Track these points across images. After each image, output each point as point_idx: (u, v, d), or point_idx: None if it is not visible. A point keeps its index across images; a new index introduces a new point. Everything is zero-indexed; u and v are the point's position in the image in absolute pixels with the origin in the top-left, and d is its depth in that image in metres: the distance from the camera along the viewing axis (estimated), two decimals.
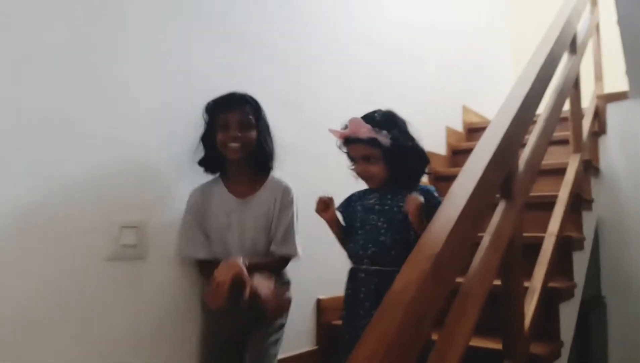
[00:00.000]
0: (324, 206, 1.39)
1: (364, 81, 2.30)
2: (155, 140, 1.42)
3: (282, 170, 1.55)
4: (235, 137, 1.40)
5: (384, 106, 1.45)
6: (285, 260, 1.48)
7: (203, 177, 1.50)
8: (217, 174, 1.51)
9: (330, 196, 1.40)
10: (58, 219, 1.19)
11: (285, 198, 1.48)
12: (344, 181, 1.47)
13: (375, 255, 1.33)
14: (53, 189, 1.19)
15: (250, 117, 1.44)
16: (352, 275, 1.38)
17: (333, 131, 1.40)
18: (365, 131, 1.33)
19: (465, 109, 3.26)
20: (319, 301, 1.93)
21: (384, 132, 1.33)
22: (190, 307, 1.48)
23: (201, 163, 1.47)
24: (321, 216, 1.40)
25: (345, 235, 1.44)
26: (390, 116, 1.39)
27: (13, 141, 1.13)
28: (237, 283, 1.23)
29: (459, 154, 2.93)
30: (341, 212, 1.47)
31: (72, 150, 1.23)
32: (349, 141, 1.38)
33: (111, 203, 1.30)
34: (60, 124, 1.21)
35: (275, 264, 1.45)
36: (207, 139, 1.45)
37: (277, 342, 1.45)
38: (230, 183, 1.48)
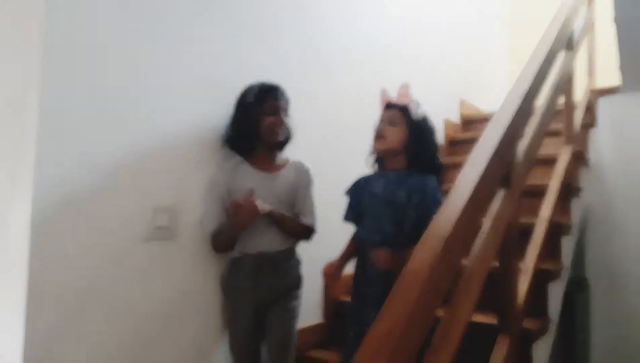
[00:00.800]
0: (331, 279, 1.51)
1: (371, 73, 2.39)
2: (186, 127, 1.52)
3: (295, 156, 1.66)
4: (283, 122, 1.56)
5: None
6: (308, 230, 1.60)
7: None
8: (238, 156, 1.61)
9: (331, 267, 1.50)
10: (99, 200, 1.29)
11: (307, 178, 1.63)
12: (353, 167, 1.57)
13: (381, 241, 1.40)
14: (94, 172, 1.28)
15: (287, 106, 1.60)
16: (362, 256, 1.47)
17: (384, 92, 1.51)
18: (407, 99, 1.45)
19: (463, 102, 3.35)
20: None
21: (420, 111, 1.46)
22: (215, 283, 1.60)
23: (234, 144, 1.58)
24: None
25: (355, 220, 1.53)
26: (426, 115, 1.51)
27: (60, 133, 1.21)
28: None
29: (455, 145, 3.05)
30: (349, 197, 1.55)
31: (111, 136, 1.32)
32: (388, 107, 1.49)
33: (146, 187, 1.39)
34: (101, 111, 1.30)
35: (298, 227, 1.58)
36: (246, 119, 1.54)
37: (298, 306, 1.60)
38: (254, 162, 1.59)
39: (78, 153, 1.25)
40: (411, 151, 1.44)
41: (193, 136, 1.54)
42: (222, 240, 1.53)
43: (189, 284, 1.51)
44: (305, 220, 1.59)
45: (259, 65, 1.78)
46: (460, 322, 1.13)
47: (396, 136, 1.44)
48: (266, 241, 1.53)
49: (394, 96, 1.50)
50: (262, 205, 1.46)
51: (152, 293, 1.41)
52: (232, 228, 1.49)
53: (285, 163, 1.63)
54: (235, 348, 1.54)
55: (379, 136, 1.46)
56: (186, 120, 1.52)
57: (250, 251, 1.52)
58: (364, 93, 2.29)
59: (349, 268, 1.63)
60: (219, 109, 1.60)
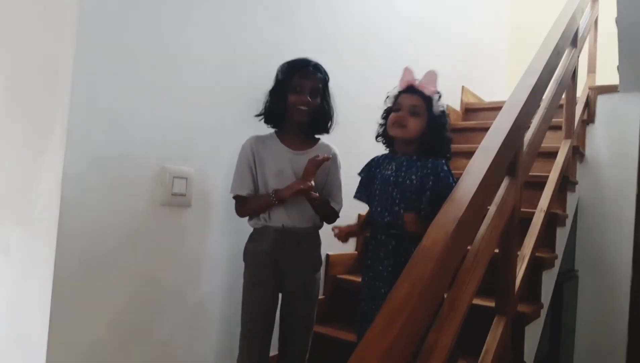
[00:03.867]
0: (345, 238, 1.51)
1: (378, 60, 2.43)
2: (206, 101, 1.56)
3: None
4: (306, 102, 1.53)
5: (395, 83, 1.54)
6: (335, 214, 1.63)
7: (249, 135, 1.62)
8: (272, 130, 1.63)
9: (344, 230, 1.50)
10: (123, 164, 1.34)
11: (335, 162, 1.64)
12: (361, 159, 1.61)
13: (391, 223, 1.44)
14: (120, 138, 1.33)
15: (320, 85, 1.57)
16: (373, 236, 1.50)
17: (406, 71, 1.48)
18: (433, 89, 1.44)
19: (465, 90, 3.41)
20: (328, 257, 2.10)
21: (440, 103, 1.46)
22: (224, 252, 1.65)
23: (264, 114, 1.59)
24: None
25: (367, 200, 1.56)
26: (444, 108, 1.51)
27: (91, 100, 1.26)
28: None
29: (455, 133, 3.09)
30: (363, 177, 1.57)
31: (136, 105, 1.36)
32: (409, 90, 1.47)
33: (167, 154, 1.44)
34: (128, 81, 1.34)
35: (327, 209, 1.61)
36: (276, 95, 1.56)
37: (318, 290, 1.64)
38: (284, 138, 1.59)
39: (106, 119, 1.29)
40: (425, 142, 1.46)
41: (213, 107, 1.58)
42: (250, 207, 1.55)
43: (200, 251, 1.57)
44: (335, 206, 1.61)
45: (274, 41, 1.81)
46: (467, 295, 1.19)
47: (417, 127, 1.44)
48: (291, 216, 1.54)
49: (417, 78, 1.48)
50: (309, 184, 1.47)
51: (166, 255, 1.46)
52: (269, 199, 1.49)
53: (313, 144, 1.62)
54: (249, 319, 1.53)
55: (401, 125, 1.45)
56: (207, 92, 1.56)
57: (273, 224, 1.53)
58: (371, 73, 2.34)
59: (346, 248, 1.65)
60: (238, 83, 1.65)
